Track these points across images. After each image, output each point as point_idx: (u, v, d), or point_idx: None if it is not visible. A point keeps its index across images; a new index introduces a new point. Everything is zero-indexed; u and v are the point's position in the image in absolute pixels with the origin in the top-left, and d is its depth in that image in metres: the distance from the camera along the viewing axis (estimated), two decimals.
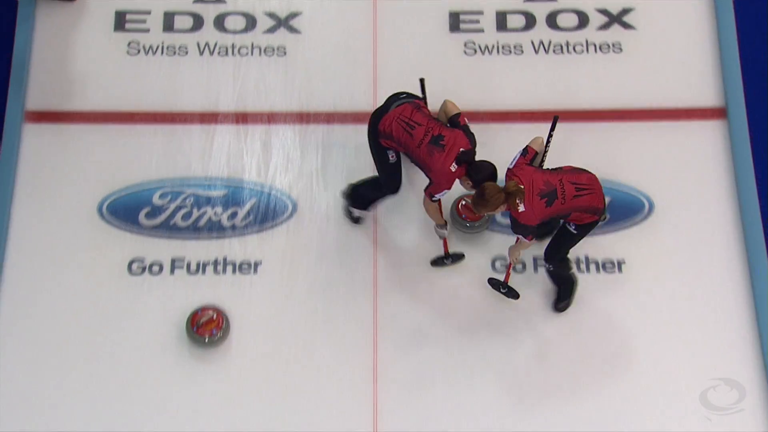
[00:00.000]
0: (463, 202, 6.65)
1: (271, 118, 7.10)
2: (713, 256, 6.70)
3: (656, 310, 6.57)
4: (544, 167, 6.13)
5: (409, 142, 6.11)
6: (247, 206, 6.92)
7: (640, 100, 7.13)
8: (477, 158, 6.26)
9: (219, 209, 6.89)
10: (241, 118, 7.10)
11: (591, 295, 6.57)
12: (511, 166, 5.96)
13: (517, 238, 6.13)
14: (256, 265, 6.74)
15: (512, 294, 6.39)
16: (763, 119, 7.05)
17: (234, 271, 6.73)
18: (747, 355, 6.49)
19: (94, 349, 6.53)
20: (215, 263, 6.75)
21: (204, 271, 6.73)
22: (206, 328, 6.49)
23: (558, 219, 6.12)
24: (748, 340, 6.52)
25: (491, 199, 5.77)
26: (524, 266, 6.66)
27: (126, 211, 6.88)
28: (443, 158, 6.01)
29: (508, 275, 6.40)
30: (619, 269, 6.66)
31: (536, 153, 6.05)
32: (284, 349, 6.54)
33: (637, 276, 6.66)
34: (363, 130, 6.90)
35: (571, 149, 6.87)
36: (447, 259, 6.60)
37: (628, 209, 6.84)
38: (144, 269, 6.73)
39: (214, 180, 6.98)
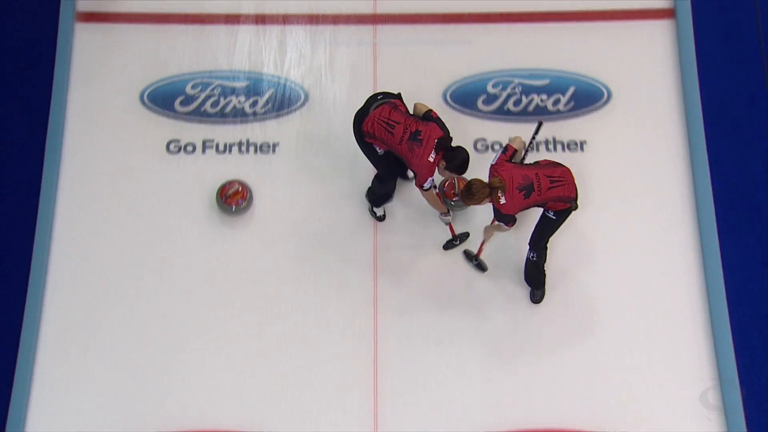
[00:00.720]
0: (450, 181, 6.79)
1: (285, 19, 7.39)
2: (659, 137, 7.02)
3: (612, 185, 6.90)
4: (526, 160, 6.37)
5: (391, 140, 6.20)
6: (266, 95, 7.21)
7: (599, 1, 7.37)
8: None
9: (242, 98, 7.20)
10: (260, 19, 7.38)
11: None
12: (494, 163, 6.06)
13: (493, 220, 6.27)
14: (275, 145, 7.09)
15: (481, 267, 6.59)
16: (707, 19, 7.28)
17: (256, 151, 7.06)
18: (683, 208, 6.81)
19: (139, 216, 6.88)
20: (240, 144, 7.08)
21: (230, 150, 7.07)
22: (233, 198, 6.85)
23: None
24: (686, 199, 6.83)
25: (477, 193, 5.92)
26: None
27: (163, 99, 7.18)
28: (422, 151, 6.13)
29: (480, 250, 6.56)
30: (581, 148, 7.00)
31: (515, 151, 6.16)
32: (297, 215, 6.87)
33: (597, 154, 6.99)
34: (365, 30, 7.27)
35: (541, 46, 7.19)
36: (455, 240, 6.69)
37: (590, 97, 7.15)
38: (180, 149, 7.06)
39: (238, 73, 7.27)
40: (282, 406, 6.40)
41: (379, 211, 6.78)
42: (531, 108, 7.12)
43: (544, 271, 6.49)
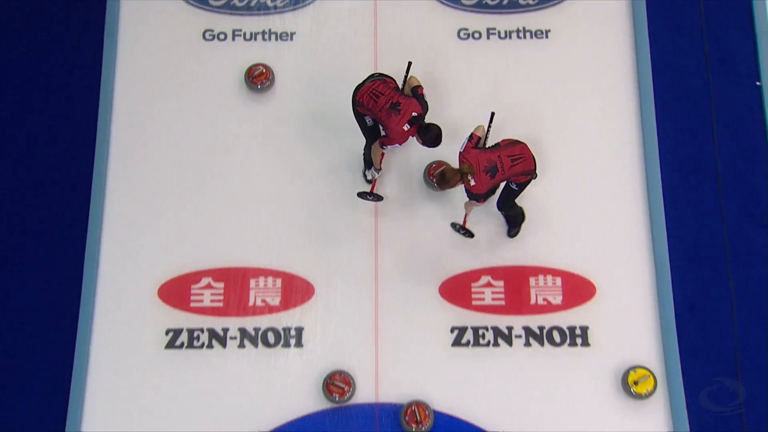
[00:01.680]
0: (435, 165, 7.15)
1: None
2: (611, 26, 7.61)
3: (570, 70, 7.55)
4: (488, 145, 6.65)
5: (374, 107, 6.57)
6: None
7: None
8: None
9: None
10: None
11: (527, 59, 7.49)
12: (461, 150, 6.43)
13: None
14: (292, 34, 7.62)
15: (468, 234, 6.89)
16: None
17: (277, 38, 7.59)
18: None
19: (182, 92, 7.47)
20: (263, 33, 7.60)
21: (255, 38, 7.59)
22: (258, 78, 7.40)
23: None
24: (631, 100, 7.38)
25: (450, 180, 6.36)
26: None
27: None
28: (398, 120, 6.50)
29: (465, 221, 6.87)
30: (546, 36, 7.63)
31: (479, 138, 6.51)
32: (311, 92, 7.43)
33: (559, 42, 7.63)
34: None
35: None
36: (370, 195, 6.97)
37: None
38: (214, 37, 7.59)
39: None
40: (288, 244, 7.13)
41: (369, 175, 7.08)
42: (505, 2, 7.73)
43: (520, 214, 6.95)
